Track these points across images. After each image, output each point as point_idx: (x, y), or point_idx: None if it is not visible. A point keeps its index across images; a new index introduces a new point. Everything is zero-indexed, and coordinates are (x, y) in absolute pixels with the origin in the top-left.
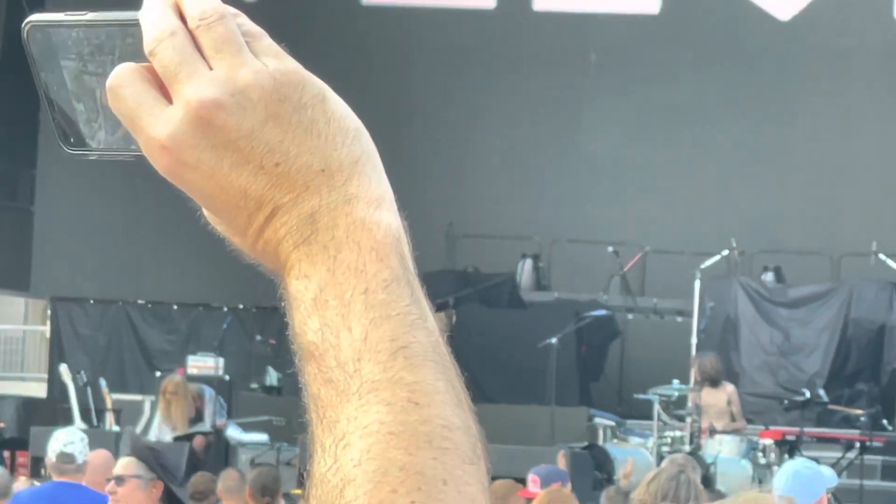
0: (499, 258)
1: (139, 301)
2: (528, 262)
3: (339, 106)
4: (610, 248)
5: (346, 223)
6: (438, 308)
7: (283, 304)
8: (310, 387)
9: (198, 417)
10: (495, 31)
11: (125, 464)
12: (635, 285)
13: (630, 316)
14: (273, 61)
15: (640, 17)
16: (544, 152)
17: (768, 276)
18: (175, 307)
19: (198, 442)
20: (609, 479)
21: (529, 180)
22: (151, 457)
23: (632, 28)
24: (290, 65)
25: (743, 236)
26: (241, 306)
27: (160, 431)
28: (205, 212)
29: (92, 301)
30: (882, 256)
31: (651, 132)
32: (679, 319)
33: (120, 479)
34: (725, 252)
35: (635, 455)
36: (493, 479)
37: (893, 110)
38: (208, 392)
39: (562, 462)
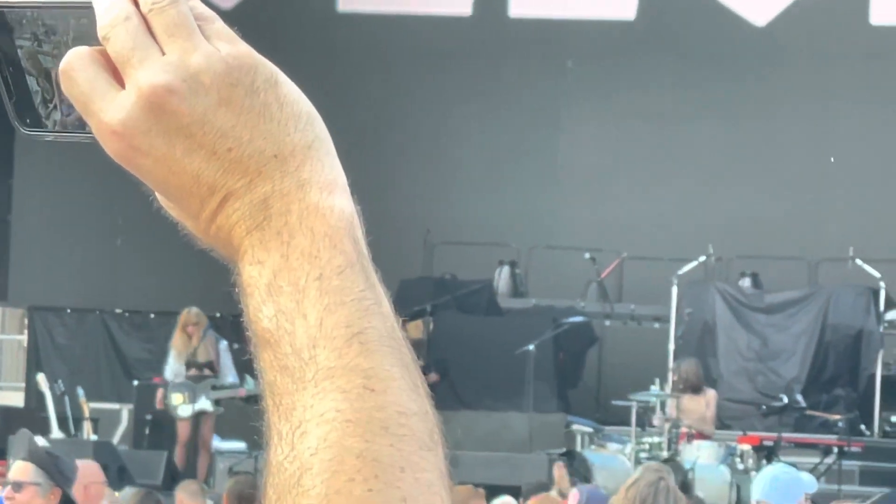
0: (476, 265)
1: (116, 310)
2: (506, 269)
3: (291, 90)
4: (587, 255)
5: (299, 208)
6: (416, 315)
7: (236, 290)
8: (265, 374)
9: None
10: (472, 37)
11: (22, 469)
12: (613, 292)
13: (607, 322)
14: (226, 45)
15: (617, 23)
16: (521, 159)
17: (746, 282)
18: (152, 316)
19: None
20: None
21: (506, 187)
22: (50, 462)
23: (608, 34)
24: (243, 49)
25: (720, 242)
26: (218, 314)
27: (174, 373)
28: (158, 196)
29: (69, 310)
30: (859, 262)
31: (627, 138)
32: (656, 325)
33: (18, 485)
34: (703, 258)
35: (613, 461)
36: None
37: (870, 115)
38: (223, 343)
39: (558, 473)
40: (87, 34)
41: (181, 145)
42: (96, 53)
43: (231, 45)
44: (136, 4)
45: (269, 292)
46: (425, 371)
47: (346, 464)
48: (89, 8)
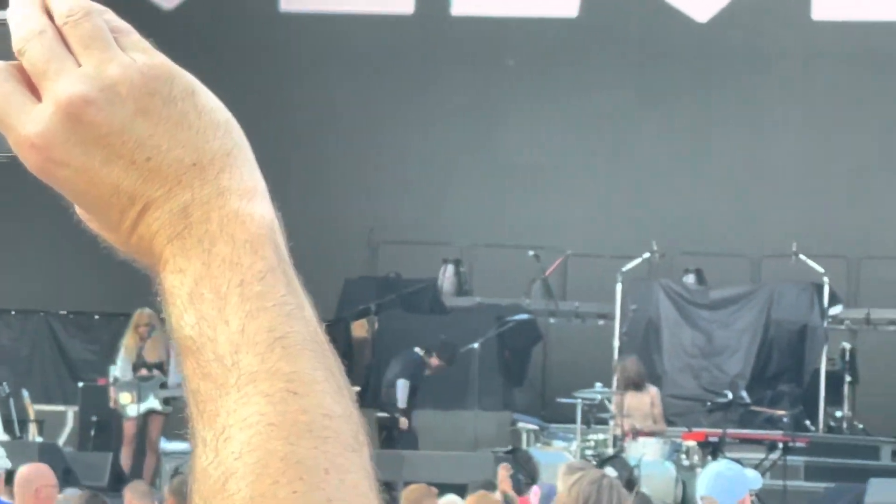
0: (420, 264)
1: (61, 311)
2: (450, 268)
3: (209, 99)
4: (531, 253)
5: (219, 216)
6: (360, 314)
7: (158, 299)
8: (189, 382)
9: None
10: (414, 36)
11: None
12: (557, 289)
13: (552, 320)
14: (141, 56)
15: (559, 21)
16: (464, 157)
17: (689, 279)
18: (97, 317)
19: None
20: (532, 483)
21: (450, 186)
22: None
23: (550, 32)
24: (159, 59)
25: (663, 239)
26: (162, 316)
27: (123, 373)
28: (77, 209)
29: (13, 312)
30: (803, 257)
31: (570, 136)
32: (601, 323)
33: None
34: (646, 255)
35: (559, 459)
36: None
37: (812, 111)
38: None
39: (502, 475)
40: (2, 51)
41: (100, 156)
42: (11, 68)
43: (147, 56)
44: (51, 18)
45: (190, 300)
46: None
47: (271, 467)
48: (3, 23)
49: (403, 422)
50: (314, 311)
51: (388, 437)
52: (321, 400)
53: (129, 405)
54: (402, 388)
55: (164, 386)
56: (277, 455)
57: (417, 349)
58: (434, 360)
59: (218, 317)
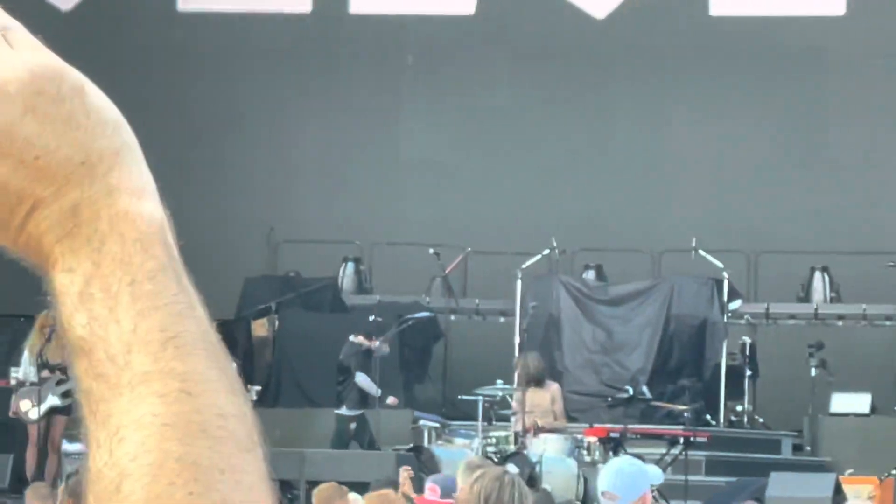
0: (320, 262)
1: None
2: (350, 266)
3: (98, 97)
4: (431, 251)
5: (108, 215)
6: (261, 313)
7: (48, 299)
8: (81, 382)
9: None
10: (312, 34)
11: None
12: (457, 287)
13: (453, 317)
14: (30, 54)
15: (456, 18)
16: (364, 155)
17: (589, 275)
18: None
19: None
20: None
21: (350, 184)
22: None
23: (448, 29)
24: (48, 57)
25: (563, 235)
26: None
27: (26, 374)
28: None
29: None
30: (702, 252)
31: (469, 133)
32: (502, 320)
33: None
34: (546, 252)
35: (460, 456)
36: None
37: (709, 107)
38: None
39: (404, 477)
40: None
41: None
42: None
43: (36, 54)
44: None
45: (81, 300)
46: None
47: (166, 468)
48: None
49: (393, 399)
50: (205, 310)
51: (359, 430)
52: (215, 400)
53: (31, 410)
54: (364, 380)
55: (61, 382)
56: (172, 456)
57: (352, 338)
58: (374, 342)
59: (109, 316)
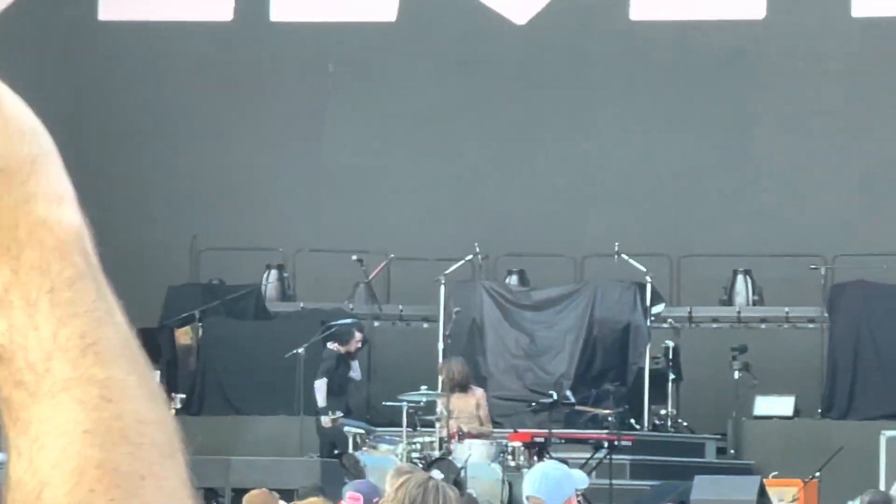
0: (243, 270)
1: None
2: (273, 273)
3: (15, 105)
4: (354, 257)
5: (27, 223)
6: (184, 321)
7: None
8: (1, 391)
9: None
10: (234, 43)
11: None
12: (381, 293)
13: (376, 323)
14: None
15: (378, 25)
16: (286, 162)
17: (513, 280)
18: None
19: None
20: None
21: (272, 191)
22: None
23: (370, 36)
24: None
25: (486, 241)
26: None
27: None
28: None
29: None
30: (625, 256)
31: (392, 140)
32: (425, 325)
33: None
34: (469, 257)
35: (386, 462)
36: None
37: (631, 112)
38: None
39: None
40: None
41: None
42: None
43: None
44: None
45: (0, 308)
46: None
47: (87, 475)
48: None
49: (325, 420)
50: (125, 317)
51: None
52: (135, 406)
53: None
54: (318, 388)
55: None
56: (93, 462)
57: (330, 345)
58: (342, 347)
59: (28, 324)
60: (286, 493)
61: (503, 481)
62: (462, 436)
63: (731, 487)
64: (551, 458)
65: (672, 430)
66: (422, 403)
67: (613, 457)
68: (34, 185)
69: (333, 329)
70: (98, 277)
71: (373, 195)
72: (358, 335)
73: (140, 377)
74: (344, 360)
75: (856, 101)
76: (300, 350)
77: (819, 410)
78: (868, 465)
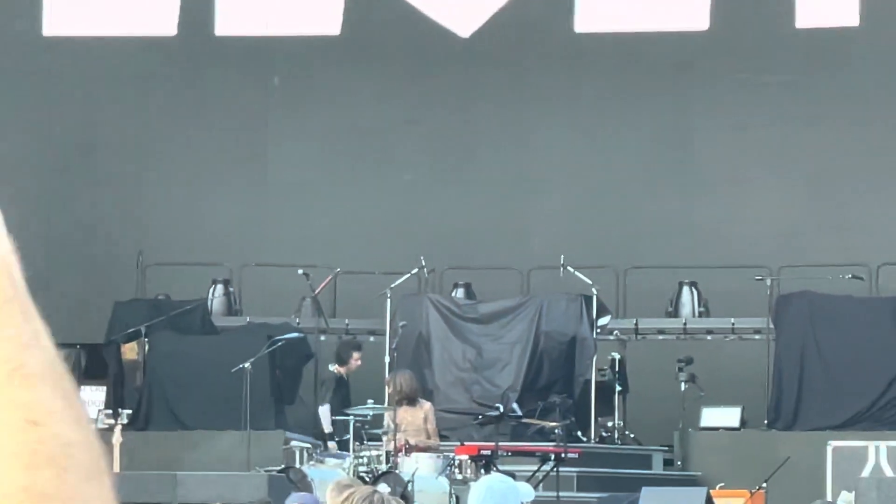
0: (189, 285)
1: None
2: (219, 288)
3: None
4: (300, 271)
5: None
6: (130, 337)
7: None
8: None
9: None
10: (177, 57)
11: None
12: (327, 307)
13: (323, 337)
14: None
15: (322, 39)
16: (231, 177)
17: (458, 293)
18: None
19: None
20: None
21: (217, 206)
22: None
23: (314, 50)
24: None
25: (432, 254)
26: None
27: None
28: None
29: None
30: (571, 269)
31: (336, 154)
32: (372, 339)
33: None
34: (415, 270)
35: (333, 476)
36: None
37: (576, 123)
38: None
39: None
40: None
41: None
42: None
43: None
44: None
45: None
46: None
47: (13, 498)
48: None
49: (332, 445)
50: (51, 341)
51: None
52: (61, 429)
53: None
54: (322, 414)
55: None
56: (18, 485)
57: (331, 367)
58: (342, 368)
59: None
60: None
61: (450, 494)
62: (409, 449)
63: (678, 499)
64: (498, 470)
65: (619, 441)
66: (369, 417)
67: (560, 469)
68: None
69: (280, 342)
70: (24, 302)
71: (318, 209)
72: (356, 354)
73: (66, 400)
74: (345, 381)
75: (799, 112)
76: (247, 364)
77: (765, 421)
78: (815, 475)
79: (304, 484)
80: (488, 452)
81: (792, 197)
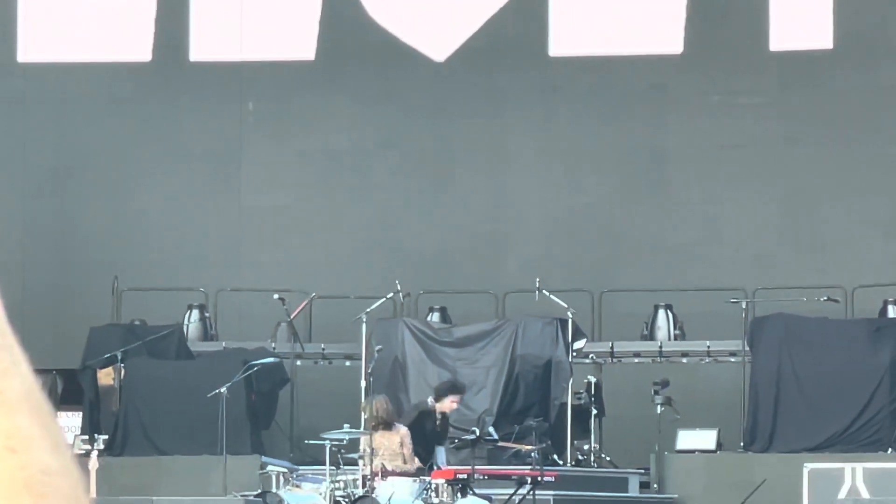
0: (165, 310)
1: None
2: (195, 313)
3: None
4: (276, 296)
5: None
6: (106, 363)
7: None
8: None
9: None
10: (153, 83)
11: None
12: (303, 331)
13: (299, 362)
14: None
15: (297, 64)
16: (206, 202)
17: (434, 317)
18: None
19: None
20: None
21: (192, 231)
22: None
23: (288, 75)
24: None
25: (407, 278)
26: None
27: None
28: None
29: None
30: (546, 292)
31: (311, 178)
32: (347, 364)
33: None
34: (390, 295)
35: (309, 501)
36: None
37: (549, 147)
38: None
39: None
40: None
41: None
42: None
43: None
44: None
45: None
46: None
47: None
48: None
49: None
50: (30, 368)
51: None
52: (39, 456)
53: None
54: (439, 454)
55: None
56: None
57: (430, 399)
58: (438, 404)
59: None
60: None
61: None
62: (385, 473)
63: None
64: (475, 494)
65: (595, 465)
66: (345, 441)
67: (537, 493)
68: None
69: (255, 367)
70: (3, 328)
71: (292, 233)
72: (452, 397)
73: (44, 427)
74: (432, 415)
75: (774, 133)
76: (223, 389)
77: (741, 444)
78: (791, 497)
79: None
80: (465, 476)
81: (767, 219)
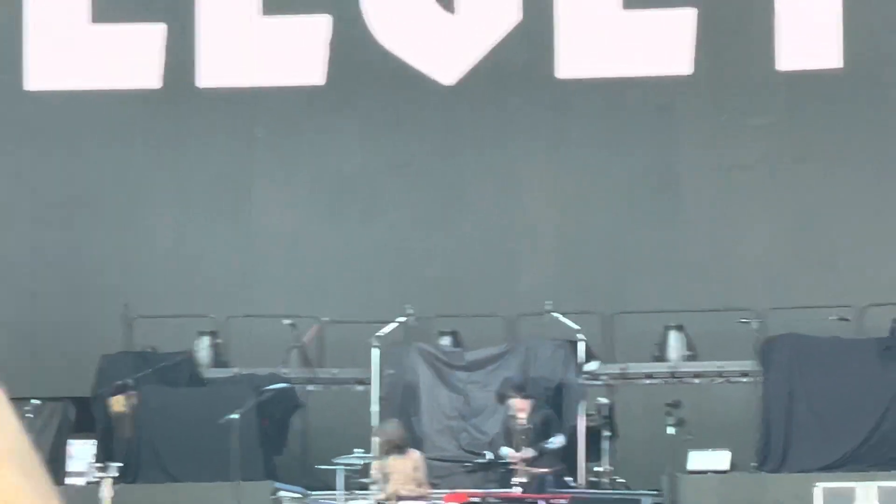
0: (176, 337)
1: None
2: (206, 339)
3: None
4: (286, 321)
5: None
6: (118, 390)
7: None
8: None
9: None
10: (161, 110)
11: None
12: (314, 356)
13: (310, 387)
14: None
15: (306, 89)
16: (216, 229)
17: (445, 341)
18: None
19: None
20: None
21: (202, 258)
22: None
23: (297, 100)
24: None
25: (418, 302)
26: None
27: None
28: None
29: None
30: (556, 315)
31: (321, 203)
32: (359, 388)
33: None
34: (402, 319)
35: None
36: None
37: (559, 168)
38: None
39: None
40: None
41: None
42: None
43: None
44: None
45: None
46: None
47: None
48: None
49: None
50: (19, 421)
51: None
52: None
53: None
54: (558, 442)
55: None
56: None
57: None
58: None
59: None
60: None
61: None
62: (399, 498)
63: None
64: None
65: (608, 486)
66: (358, 466)
67: None
68: None
69: (268, 393)
70: None
71: (303, 259)
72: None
73: (32, 480)
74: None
75: (784, 153)
76: (235, 415)
77: (754, 464)
78: None
79: None
80: (478, 500)
81: (777, 239)
